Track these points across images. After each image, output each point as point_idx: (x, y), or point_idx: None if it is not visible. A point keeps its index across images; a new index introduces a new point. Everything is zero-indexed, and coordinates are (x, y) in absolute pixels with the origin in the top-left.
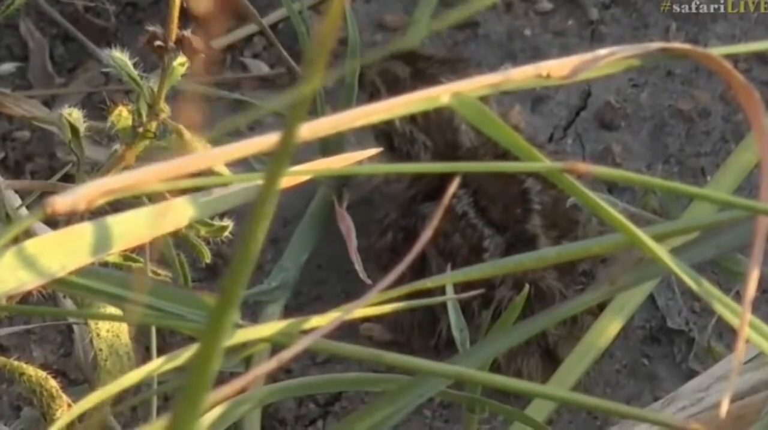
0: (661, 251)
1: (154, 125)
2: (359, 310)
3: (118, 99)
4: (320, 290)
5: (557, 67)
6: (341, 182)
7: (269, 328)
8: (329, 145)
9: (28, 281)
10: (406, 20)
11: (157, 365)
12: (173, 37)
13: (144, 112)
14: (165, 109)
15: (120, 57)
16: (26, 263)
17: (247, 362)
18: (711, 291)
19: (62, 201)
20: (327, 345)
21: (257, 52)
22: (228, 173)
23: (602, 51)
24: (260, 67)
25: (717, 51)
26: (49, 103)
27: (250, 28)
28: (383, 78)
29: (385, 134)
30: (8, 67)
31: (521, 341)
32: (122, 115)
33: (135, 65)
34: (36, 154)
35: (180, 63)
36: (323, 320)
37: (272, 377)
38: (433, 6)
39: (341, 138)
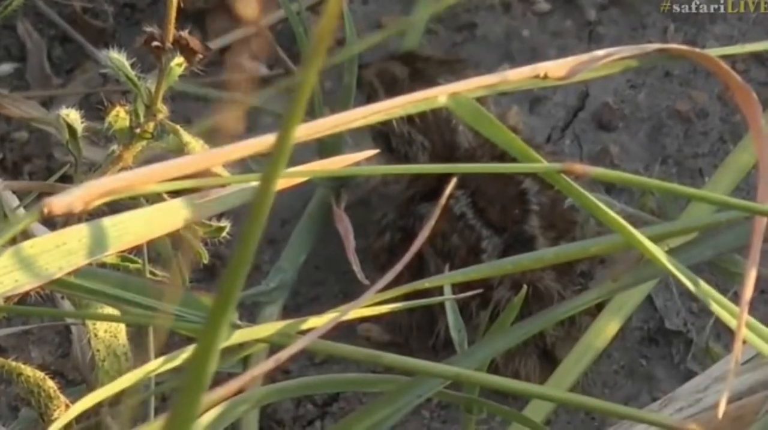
0: (659, 252)
1: (151, 126)
2: (357, 310)
3: (116, 100)
4: (318, 291)
5: (555, 68)
6: (339, 183)
7: (267, 328)
8: (327, 147)
9: (26, 283)
10: (404, 21)
11: (155, 365)
12: (170, 37)
13: (141, 113)
14: (162, 110)
15: (117, 58)
16: (24, 264)
17: (245, 363)
18: (709, 292)
19: (59, 202)
20: (325, 346)
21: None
22: (226, 174)
23: (600, 52)
24: (258, 69)
25: (715, 52)
26: (47, 104)
27: (248, 29)
28: (381, 79)
29: (383, 135)
30: (6, 68)
31: (519, 341)
32: (119, 116)
33: (132, 66)
34: (34, 155)
35: (177, 63)
36: (321, 321)
37: (270, 378)
38: (431, 7)
39: (339, 139)
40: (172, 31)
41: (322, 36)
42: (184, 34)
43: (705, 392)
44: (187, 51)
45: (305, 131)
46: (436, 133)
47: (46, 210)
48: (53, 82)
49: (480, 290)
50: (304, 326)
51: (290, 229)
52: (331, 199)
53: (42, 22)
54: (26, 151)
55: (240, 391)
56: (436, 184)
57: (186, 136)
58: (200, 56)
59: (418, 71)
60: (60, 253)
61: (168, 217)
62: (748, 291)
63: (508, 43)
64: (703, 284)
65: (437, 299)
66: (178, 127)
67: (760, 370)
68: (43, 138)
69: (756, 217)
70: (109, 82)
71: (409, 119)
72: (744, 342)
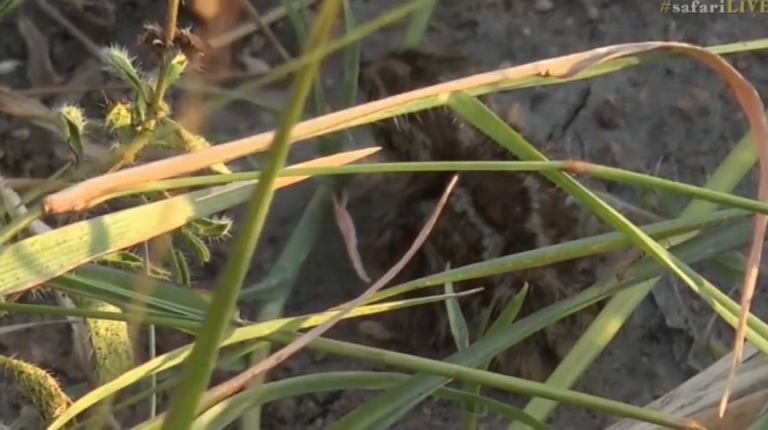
0: (660, 250)
1: (152, 124)
2: (358, 308)
3: (118, 98)
4: (319, 289)
5: (556, 66)
6: (340, 181)
7: (268, 326)
8: (328, 144)
9: (27, 280)
10: (405, 19)
11: (156, 363)
12: (172, 35)
13: (143, 111)
14: (164, 108)
15: (119, 56)
16: (25, 261)
17: (247, 361)
18: (710, 290)
19: (60, 200)
20: (326, 343)
21: (256, 51)
22: (227, 172)
23: (601, 50)
24: (259, 67)
25: (716, 50)
26: (49, 101)
27: (249, 27)
28: (382, 76)
29: (384, 133)
30: (7, 65)
31: (520, 339)
32: (121, 114)
33: (134, 64)
34: (35, 152)
35: (179, 61)
36: (322, 319)
37: (271, 376)
38: (432, 5)
39: (340, 137)
40: (173, 29)
41: (320, 34)
42: (186, 32)
43: (706, 390)
44: (188, 49)
45: (306, 129)
46: (437, 130)
47: (47, 208)
48: (54, 80)
49: (481, 288)
50: (306, 324)
51: (291, 227)
52: (332, 197)
53: (43, 20)
54: (27, 148)
55: (241, 389)
56: (437, 182)
57: (187, 134)
58: (201, 54)
59: (420, 69)
60: (61, 250)
61: (169, 214)
62: (750, 289)
63: (509, 40)
64: (704, 282)
65: (438, 296)
66: (179, 125)
67: (762, 368)
68: (44, 136)
69: (757, 215)
70: (111, 80)
71: (411, 117)
72: (745, 340)
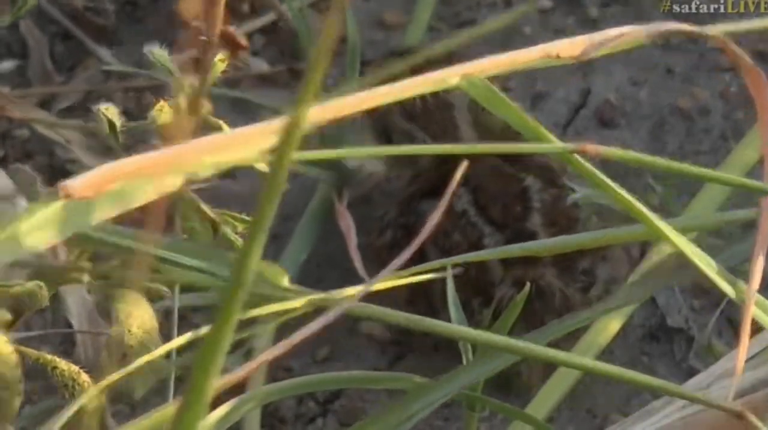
0: (682, 242)
1: (193, 121)
2: (355, 292)
3: (117, 98)
4: (319, 288)
5: (567, 48)
6: (341, 180)
7: (280, 305)
8: (328, 140)
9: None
10: (406, 18)
11: (175, 344)
12: (218, 32)
13: (183, 109)
14: (205, 106)
15: (160, 53)
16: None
17: (246, 360)
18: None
19: (77, 184)
20: (360, 308)
21: (257, 49)
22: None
23: (612, 31)
24: (260, 65)
25: (719, 30)
26: (49, 101)
27: (249, 26)
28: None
29: (384, 132)
30: (8, 65)
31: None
32: (163, 110)
33: (138, 64)
34: (35, 152)
35: (221, 59)
36: (341, 294)
37: (272, 376)
38: (433, 4)
39: (341, 136)
40: (218, 26)
41: (327, 36)
42: (231, 29)
43: (708, 390)
44: (232, 45)
45: (315, 114)
46: (437, 129)
47: (62, 193)
48: (55, 80)
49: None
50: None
51: (292, 225)
52: (333, 196)
53: (43, 20)
54: (27, 148)
55: (243, 384)
56: (438, 181)
57: (227, 130)
58: (244, 51)
59: (420, 68)
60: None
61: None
62: (755, 284)
63: (509, 40)
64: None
65: (438, 286)
66: (221, 122)
67: (763, 368)
68: (45, 135)
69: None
70: (111, 79)
71: (411, 116)
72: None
